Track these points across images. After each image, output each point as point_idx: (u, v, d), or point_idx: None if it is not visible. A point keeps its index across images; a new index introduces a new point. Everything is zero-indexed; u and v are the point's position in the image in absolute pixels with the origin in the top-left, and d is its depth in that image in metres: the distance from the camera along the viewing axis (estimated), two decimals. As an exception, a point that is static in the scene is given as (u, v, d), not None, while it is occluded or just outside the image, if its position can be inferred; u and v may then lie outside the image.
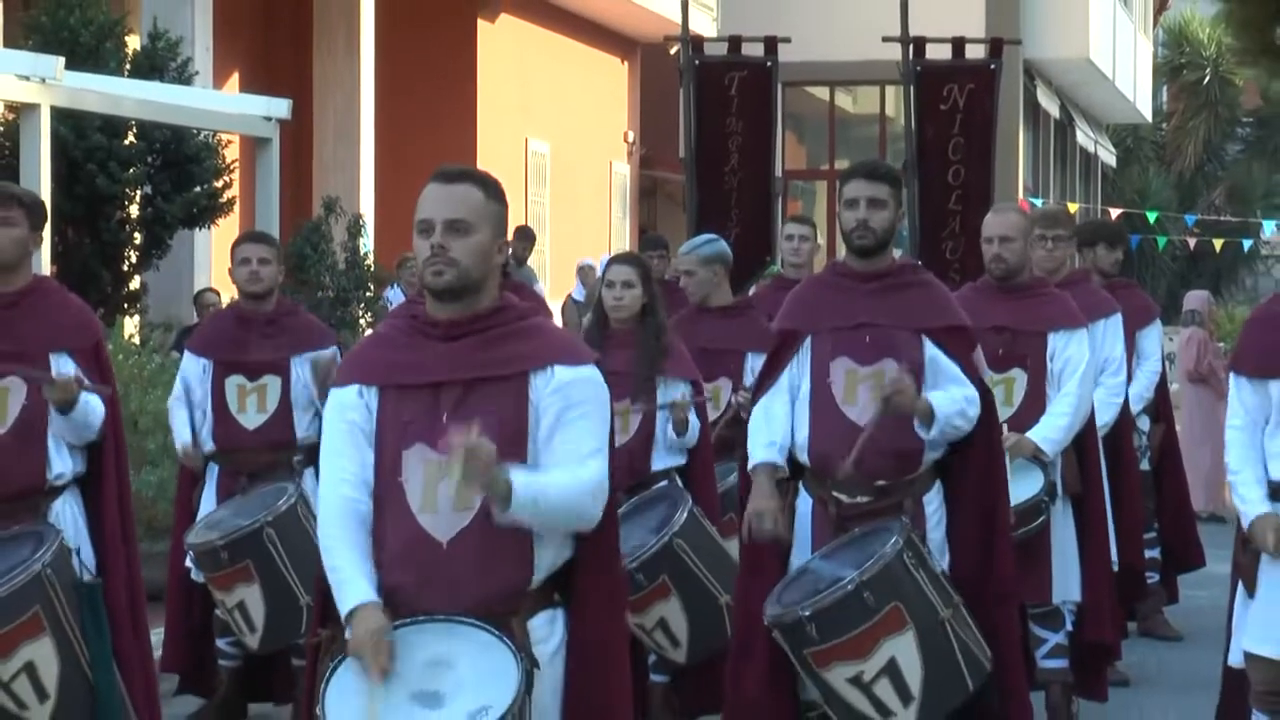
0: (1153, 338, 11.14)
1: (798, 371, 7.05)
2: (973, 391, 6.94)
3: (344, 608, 4.91)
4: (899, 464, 6.90)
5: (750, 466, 7.05)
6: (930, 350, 6.96)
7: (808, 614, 6.48)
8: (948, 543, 6.98)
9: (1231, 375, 6.87)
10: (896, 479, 6.90)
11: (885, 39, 15.33)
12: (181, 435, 9.25)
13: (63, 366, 7.25)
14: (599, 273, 8.97)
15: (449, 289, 5.01)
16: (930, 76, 14.98)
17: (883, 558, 6.49)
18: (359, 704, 4.76)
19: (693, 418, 8.79)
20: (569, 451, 4.98)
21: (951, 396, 6.88)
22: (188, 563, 9.14)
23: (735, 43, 15.89)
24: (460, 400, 4.99)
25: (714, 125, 15.23)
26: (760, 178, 15.33)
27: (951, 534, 7.00)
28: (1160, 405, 11.32)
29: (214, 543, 8.72)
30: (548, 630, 4.99)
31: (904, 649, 6.53)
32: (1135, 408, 10.74)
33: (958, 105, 14.89)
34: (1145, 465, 11.06)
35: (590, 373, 5.08)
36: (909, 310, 7.00)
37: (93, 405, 7.23)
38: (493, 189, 5.11)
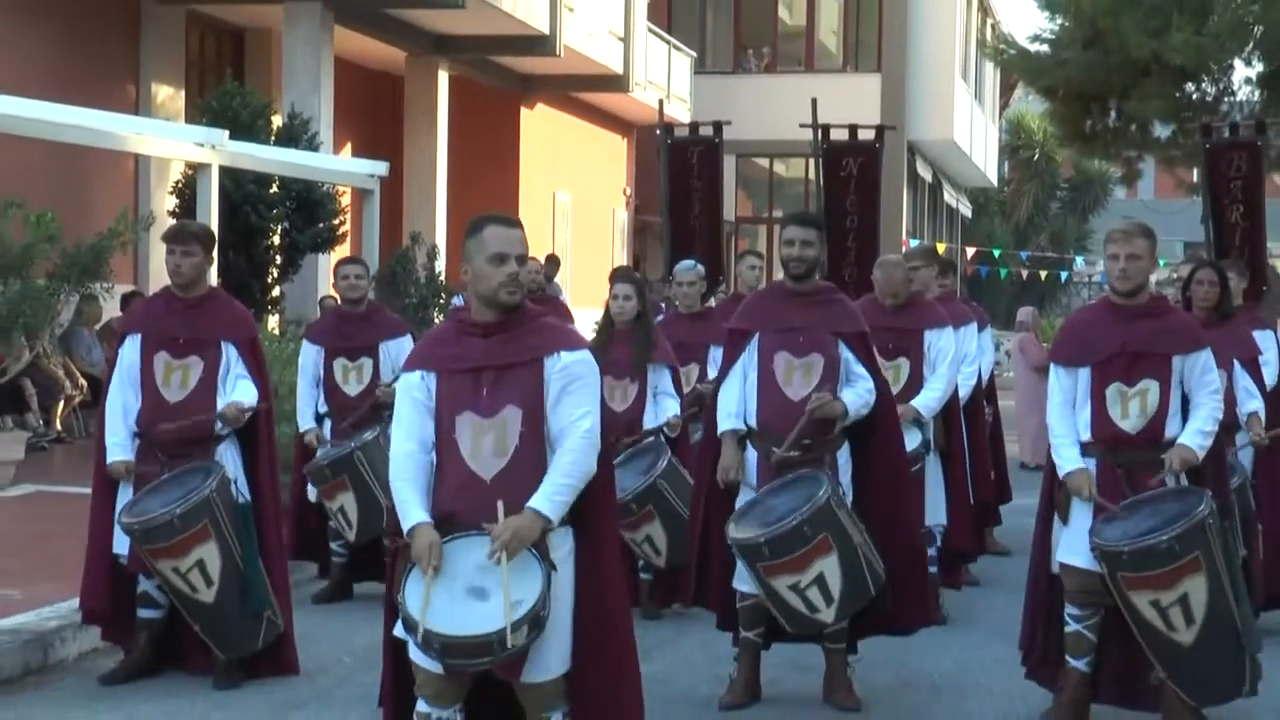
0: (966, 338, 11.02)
1: (748, 361, 6.98)
2: (870, 382, 6.87)
3: (405, 525, 4.87)
4: (820, 431, 6.79)
5: (719, 432, 6.97)
6: (842, 350, 6.87)
7: (763, 540, 6.41)
8: (854, 484, 6.88)
9: (1051, 365, 6.77)
10: (817, 440, 6.80)
11: (801, 125, 15.45)
12: (305, 422, 9.31)
13: (228, 353, 7.26)
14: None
15: (518, 306, 4.96)
16: (833, 152, 15.00)
17: (816, 501, 6.40)
18: (424, 592, 4.74)
19: (673, 398, 8.79)
20: (570, 411, 4.90)
21: (857, 391, 6.81)
22: (309, 486, 9.25)
23: (694, 127, 16.01)
24: (495, 380, 4.92)
25: (682, 183, 15.27)
26: (715, 221, 15.34)
27: (859, 478, 6.90)
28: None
29: (320, 463, 8.98)
30: (562, 542, 4.92)
31: (830, 567, 6.45)
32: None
33: (852, 173, 14.92)
34: None
35: (585, 355, 4.99)
36: (828, 318, 6.92)
37: (247, 407, 7.24)
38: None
